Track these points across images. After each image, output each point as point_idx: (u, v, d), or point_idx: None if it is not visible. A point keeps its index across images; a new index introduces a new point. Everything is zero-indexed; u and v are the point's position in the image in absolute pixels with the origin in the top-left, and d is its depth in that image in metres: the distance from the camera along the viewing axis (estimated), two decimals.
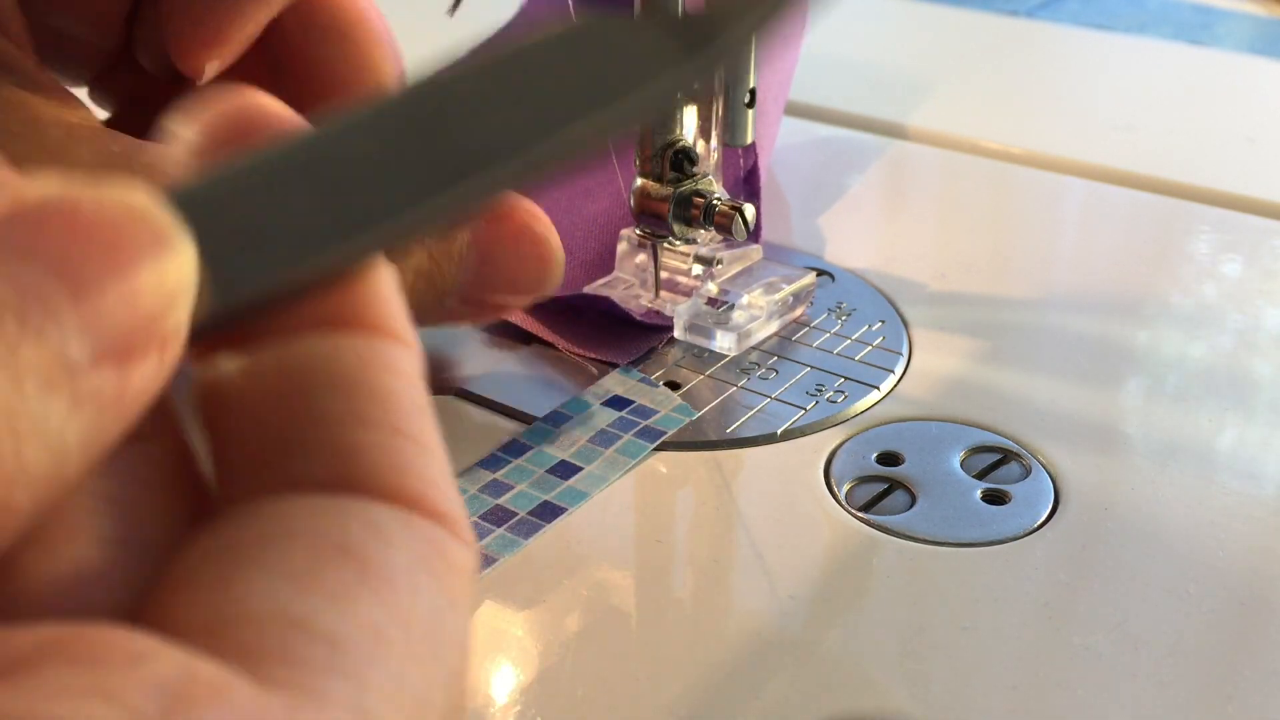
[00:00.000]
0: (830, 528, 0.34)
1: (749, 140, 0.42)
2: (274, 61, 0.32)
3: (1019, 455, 0.36)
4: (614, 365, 0.41)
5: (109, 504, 0.15)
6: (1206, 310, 0.44)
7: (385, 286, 0.17)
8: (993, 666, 0.29)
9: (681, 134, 0.41)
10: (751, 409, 0.38)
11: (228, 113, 0.17)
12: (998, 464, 0.36)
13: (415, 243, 0.18)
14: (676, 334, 0.42)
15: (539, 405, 0.39)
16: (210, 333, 0.16)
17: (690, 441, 0.37)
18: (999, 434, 0.37)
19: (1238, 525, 0.34)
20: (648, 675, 0.29)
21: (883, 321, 0.43)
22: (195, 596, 0.15)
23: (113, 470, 0.15)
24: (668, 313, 0.42)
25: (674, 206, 0.41)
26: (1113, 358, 0.41)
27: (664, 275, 0.42)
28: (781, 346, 0.42)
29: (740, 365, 0.41)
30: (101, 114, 0.34)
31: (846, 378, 0.40)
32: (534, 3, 0.60)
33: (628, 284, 0.43)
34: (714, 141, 0.41)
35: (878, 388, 0.39)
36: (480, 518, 0.34)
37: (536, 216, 0.31)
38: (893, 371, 0.40)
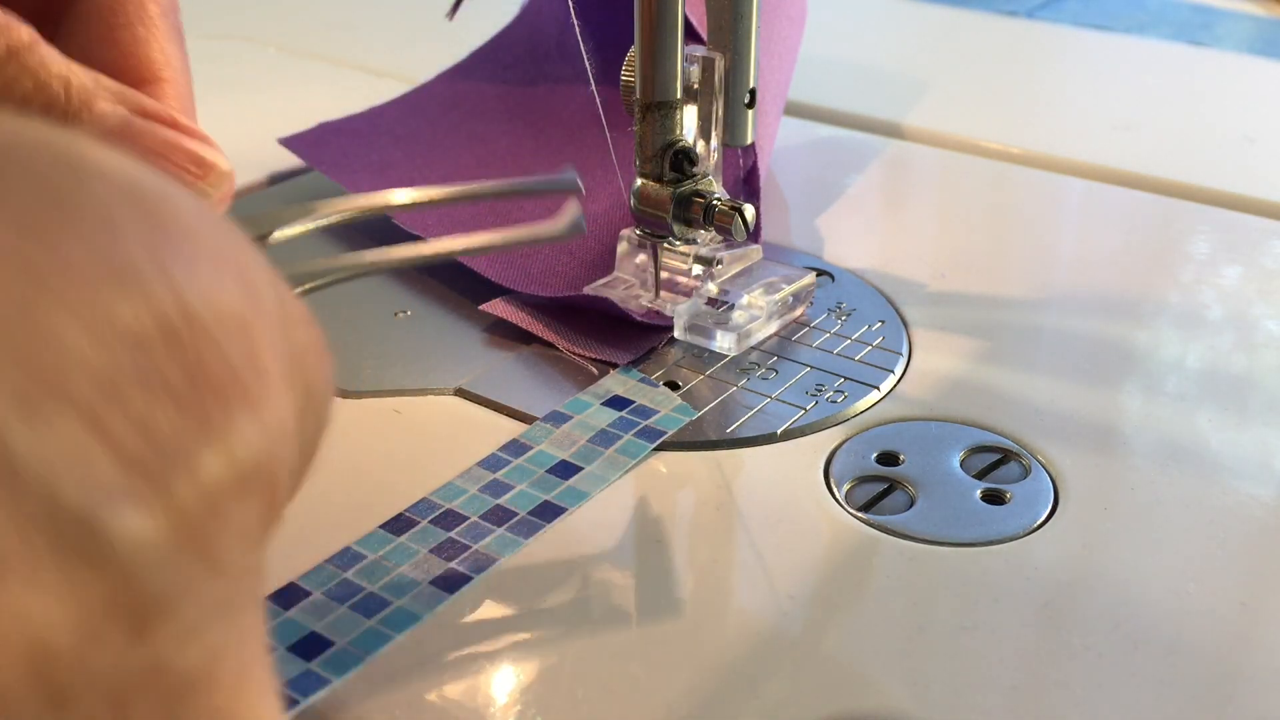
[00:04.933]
0: (830, 528, 0.34)
1: (749, 140, 0.41)
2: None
3: (1019, 455, 0.36)
4: (614, 365, 0.41)
5: None
6: (1206, 310, 0.44)
7: None
8: (993, 666, 0.29)
9: (681, 134, 0.41)
10: (751, 409, 0.38)
11: None
12: (997, 464, 0.36)
13: None
14: (676, 334, 0.42)
15: (539, 405, 0.39)
16: None
17: (690, 441, 0.37)
18: (999, 434, 0.37)
19: (1238, 525, 0.34)
20: (648, 675, 0.29)
21: (882, 321, 0.43)
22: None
23: None
24: (668, 313, 0.42)
25: (674, 206, 0.41)
26: (1112, 358, 0.41)
27: (664, 275, 0.42)
28: (781, 346, 0.42)
29: (740, 365, 0.41)
30: None
31: (846, 378, 0.40)
32: (534, 4, 0.60)
33: (628, 284, 0.43)
34: (714, 141, 0.41)
35: (877, 388, 0.39)
36: (480, 518, 0.34)
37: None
38: (892, 371, 0.40)
